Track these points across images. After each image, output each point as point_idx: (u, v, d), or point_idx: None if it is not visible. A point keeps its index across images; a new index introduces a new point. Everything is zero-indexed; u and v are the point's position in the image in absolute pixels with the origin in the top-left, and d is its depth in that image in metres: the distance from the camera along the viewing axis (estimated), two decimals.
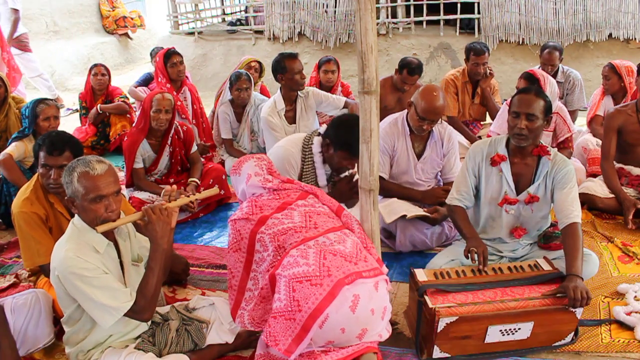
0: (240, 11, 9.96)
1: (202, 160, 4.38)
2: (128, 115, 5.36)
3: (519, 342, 2.37)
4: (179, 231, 3.75)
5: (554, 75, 4.81)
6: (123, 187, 3.97)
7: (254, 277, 2.31)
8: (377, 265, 2.17)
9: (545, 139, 3.75)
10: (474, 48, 4.75)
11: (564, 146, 3.98)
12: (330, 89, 5.12)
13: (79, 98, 5.52)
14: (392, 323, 2.62)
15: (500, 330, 2.31)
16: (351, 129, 2.63)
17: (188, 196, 2.35)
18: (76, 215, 2.14)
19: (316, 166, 2.95)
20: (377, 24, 7.50)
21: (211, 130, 5.07)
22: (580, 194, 2.90)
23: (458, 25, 7.62)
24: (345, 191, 2.89)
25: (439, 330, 2.25)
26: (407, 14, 7.94)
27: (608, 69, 4.47)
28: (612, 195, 3.67)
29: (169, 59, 4.82)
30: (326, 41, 8.01)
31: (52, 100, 3.81)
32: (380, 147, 2.39)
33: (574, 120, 4.83)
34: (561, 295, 2.31)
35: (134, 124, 4.19)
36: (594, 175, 4.07)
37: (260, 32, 8.46)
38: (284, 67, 4.10)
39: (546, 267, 2.52)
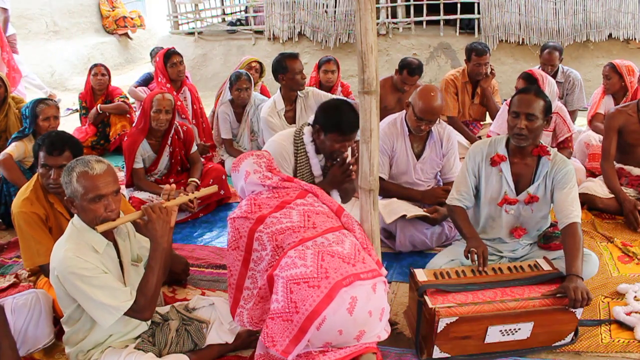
0: (240, 11, 9.96)
1: (202, 160, 4.38)
2: (128, 115, 5.37)
3: (519, 342, 2.37)
4: (179, 231, 3.75)
5: (554, 76, 4.82)
6: (123, 187, 3.97)
7: (252, 275, 2.31)
8: (375, 266, 2.16)
9: (545, 138, 3.75)
10: (476, 48, 4.75)
11: (564, 146, 3.99)
12: (330, 89, 5.12)
13: (79, 98, 5.52)
14: (392, 323, 2.62)
15: (500, 331, 2.31)
16: (338, 109, 2.74)
17: (187, 195, 2.35)
18: (75, 215, 2.14)
19: (309, 156, 2.92)
20: (377, 24, 7.50)
21: (211, 130, 5.07)
22: (580, 194, 2.91)
23: (458, 25, 7.62)
24: (338, 175, 2.85)
25: (439, 331, 2.25)
26: (407, 14, 7.94)
27: (609, 68, 4.47)
28: (612, 196, 3.67)
29: (169, 59, 4.82)
30: (326, 41, 8.02)
31: (52, 100, 3.81)
32: (379, 147, 2.39)
33: (573, 120, 4.83)
34: (561, 295, 2.31)
35: (134, 124, 4.19)
36: (594, 175, 4.07)
37: (260, 32, 8.46)
38: (285, 67, 4.10)
39: (546, 267, 2.52)
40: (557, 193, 2.64)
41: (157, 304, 2.24)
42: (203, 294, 2.95)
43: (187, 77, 5.14)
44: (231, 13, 10.23)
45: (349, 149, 2.92)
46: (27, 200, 2.64)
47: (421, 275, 2.45)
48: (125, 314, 2.06)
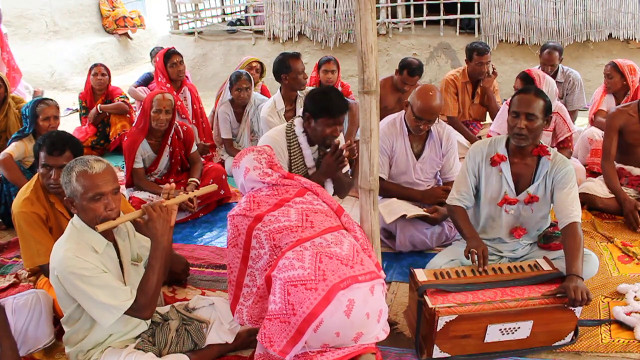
0: (240, 11, 9.96)
1: (202, 160, 4.39)
2: (128, 115, 5.37)
3: (518, 342, 2.37)
4: (179, 231, 3.76)
5: (554, 76, 4.82)
6: (123, 187, 3.97)
7: (251, 273, 2.32)
8: (373, 268, 2.15)
9: (545, 138, 3.75)
10: (477, 48, 4.76)
11: (564, 146, 3.99)
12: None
13: (79, 98, 5.52)
14: (392, 323, 2.62)
15: (500, 330, 2.31)
16: (325, 94, 2.79)
17: (187, 194, 2.35)
18: (75, 215, 2.14)
19: (302, 147, 2.91)
20: (377, 24, 7.50)
21: (211, 130, 5.08)
22: (580, 194, 2.91)
23: (458, 25, 7.62)
24: (331, 163, 2.83)
25: (438, 329, 2.25)
26: (407, 14, 7.94)
27: (610, 67, 4.47)
28: (612, 196, 3.68)
29: (169, 58, 4.82)
30: (326, 41, 8.01)
31: (52, 100, 3.80)
32: (379, 147, 2.40)
33: (573, 120, 4.84)
34: (561, 295, 2.31)
35: (134, 124, 4.19)
36: (594, 174, 4.07)
37: (260, 32, 8.46)
38: (288, 66, 4.12)
39: (546, 267, 2.52)
40: (557, 193, 2.64)
41: (157, 304, 2.24)
42: (203, 294, 2.95)
43: (187, 77, 5.14)
44: (231, 13, 10.23)
45: (342, 136, 2.92)
46: (27, 200, 2.64)
47: (421, 275, 2.45)
48: (126, 313, 2.06)
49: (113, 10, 10.44)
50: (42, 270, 2.78)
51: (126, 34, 10.46)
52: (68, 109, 7.15)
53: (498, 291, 2.35)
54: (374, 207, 2.40)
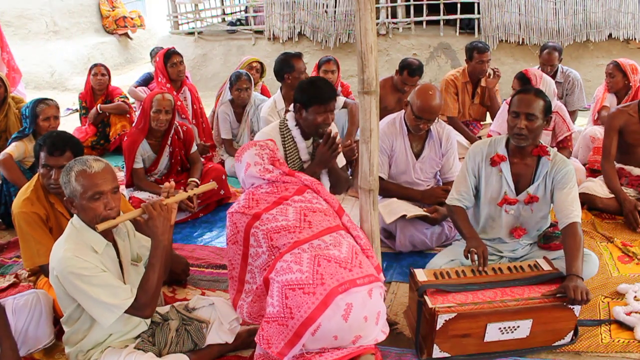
0: (240, 11, 9.96)
1: (202, 160, 4.39)
2: (128, 115, 5.37)
3: (518, 341, 2.37)
4: (179, 231, 3.76)
5: (553, 76, 4.82)
6: (123, 187, 3.97)
7: (251, 270, 2.33)
8: (372, 271, 2.14)
9: (545, 138, 3.76)
10: (477, 47, 4.77)
11: (563, 145, 3.99)
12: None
13: (79, 98, 5.52)
14: (392, 323, 2.62)
15: (500, 328, 2.31)
16: (312, 83, 2.81)
17: (187, 192, 2.36)
18: (75, 215, 2.14)
19: (296, 141, 2.90)
20: (377, 24, 7.52)
21: (211, 130, 5.08)
22: (580, 194, 2.91)
23: (458, 25, 7.62)
24: (325, 152, 2.83)
25: (438, 328, 2.25)
26: (407, 14, 7.94)
27: (613, 66, 4.48)
28: (612, 196, 3.68)
29: (169, 59, 4.82)
30: (326, 41, 8.02)
31: (52, 100, 3.80)
32: (379, 146, 2.40)
33: (573, 120, 4.84)
34: (561, 295, 2.31)
35: (133, 124, 4.19)
36: (596, 172, 4.07)
37: (260, 32, 8.46)
38: (292, 65, 4.13)
39: (546, 267, 2.52)
40: (557, 193, 2.64)
41: (157, 304, 2.24)
42: (203, 294, 2.95)
43: (187, 77, 5.14)
44: (231, 13, 10.23)
45: (334, 125, 2.92)
46: (27, 200, 2.64)
47: (421, 275, 2.45)
48: (126, 311, 2.06)
49: (113, 10, 10.44)
50: (42, 270, 2.78)
51: (126, 34, 10.46)
52: (68, 109, 7.15)
53: (498, 291, 2.35)
54: (374, 207, 2.40)
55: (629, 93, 4.44)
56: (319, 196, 2.44)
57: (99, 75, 5.28)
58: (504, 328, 2.31)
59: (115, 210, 2.12)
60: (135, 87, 5.60)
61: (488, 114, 5.13)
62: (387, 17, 7.87)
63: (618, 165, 3.81)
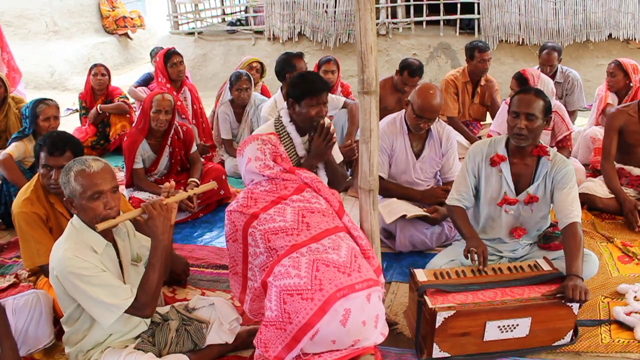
0: (240, 11, 9.96)
1: (202, 160, 4.39)
2: (128, 115, 5.36)
3: (518, 341, 2.37)
4: (179, 231, 3.76)
5: (553, 76, 4.82)
6: (123, 187, 3.97)
7: (252, 268, 2.34)
8: (371, 275, 2.13)
9: (544, 137, 3.75)
10: (478, 46, 4.78)
11: (563, 145, 3.99)
12: (330, 89, 5.11)
13: (78, 98, 5.52)
14: (392, 323, 2.62)
15: (499, 327, 2.31)
16: (302, 76, 2.81)
17: (187, 191, 2.36)
18: (75, 216, 2.14)
19: (292, 137, 2.89)
20: (377, 24, 7.51)
21: (211, 130, 5.08)
22: (580, 194, 2.91)
23: (458, 25, 7.62)
24: (320, 144, 2.80)
25: (437, 326, 2.25)
26: (407, 14, 7.94)
27: (614, 65, 4.48)
28: (612, 196, 3.68)
29: (169, 59, 4.82)
30: (326, 41, 8.01)
31: (52, 100, 3.80)
32: (379, 146, 2.40)
33: (573, 120, 4.84)
34: (561, 295, 2.31)
35: (133, 124, 4.20)
36: (598, 172, 4.07)
37: (260, 32, 8.46)
38: (293, 65, 4.14)
39: (546, 267, 2.52)
40: (557, 193, 2.64)
41: (157, 304, 2.24)
42: (203, 294, 2.95)
43: (187, 77, 5.14)
44: (231, 13, 10.23)
45: (328, 119, 2.92)
46: (27, 200, 2.64)
47: (421, 275, 2.45)
48: (126, 311, 2.06)
49: (113, 11, 10.44)
50: (42, 271, 2.78)
51: (126, 34, 10.46)
52: (68, 109, 7.15)
53: (498, 291, 2.35)
54: (373, 207, 2.40)
55: (629, 93, 4.44)
56: (318, 195, 2.42)
57: (99, 75, 5.28)
58: (503, 326, 2.31)
59: (115, 210, 2.12)
60: (135, 87, 5.60)
61: (488, 113, 5.13)
62: (387, 17, 7.87)
63: (618, 165, 3.81)
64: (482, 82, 4.95)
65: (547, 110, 2.63)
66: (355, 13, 2.14)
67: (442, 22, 7.69)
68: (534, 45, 7.26)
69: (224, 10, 10.17)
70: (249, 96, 4.74)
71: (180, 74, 4.88)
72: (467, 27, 7.63)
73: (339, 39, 7.97)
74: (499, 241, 2.86)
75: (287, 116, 2.89)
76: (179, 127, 4.01)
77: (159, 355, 2.22)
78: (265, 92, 5.47)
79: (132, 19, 10.57)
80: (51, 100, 3.80)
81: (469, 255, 2.53)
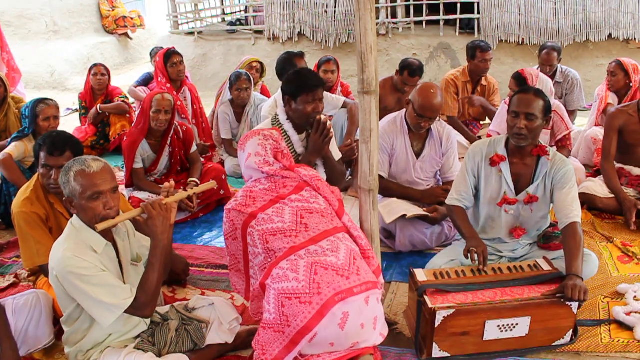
0: (240, 11, 9.96)
1: (202, 160, 4.39)
2: (128, 115, 5.37)
3: (517, 340, 2.37)
4: (179, 231, 3.76)
5: (553, 76, 4.82)
6: (122, 187, 3.97)
7: (252, 266, 2.34)
8: (370, 277, 2.12)
9: (544, 137, 3.75)
10: (480, 45, 4.78)
11: (562, 145, 3.98)
12: (330, 89, 5.11)
13: (78, 98, 5.52)
14: (392, 323, 2.62)
15: (498, 326, 2.31)
16: (297, 73, 2.80)
17: (186, 191, 2.35)
18: (75, 215, 2.14)
19: (289, 134, 2.88)
20: (377, 24, 7.51)
21: (211, 130, 5.08)
22: (580, 194, 2.91)
23: (458, 25, 7.63)
24: (317, 140, 2.78)
25: (436, 325, 2.25)
26: (407, 14, 7.95)
27: (615, 65, 4.48)
28: (612, 196, 3.68)
29: (169, 58, 4.82)
30: (326, 41, 8.02)
31: (52, 100, 3.80)
32: (379, 145, 2.40)
33: (573, 120, 4.83)
34: (560, 295, 2.31)
35: (133, 124, 4.20)
36: (597, 172, 4.06)
37: (260, 32, 8.46)
38: (294, 65, 4.14)
39: (546, 267, 2.52)
40: (557, 193, 2.64)
41: (157, 304, 2.24)
42: (203, 294, 2.95)
43: (187, 77, 5.14)
44: (231, 13, 10.23)
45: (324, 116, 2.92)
46: (27, 200, 2.64)
47: (421, 275, 2.45)
48: (126, 311, 2.06)
49: (113, 10, 10.44)
50: (41, 270, 2.78)
51: (126, 34, 10.46)
52: (68, 109, 7.15)
53: (498, 291, 2.35)
54: (373, 207, 2.40)
55: (628, 93, 4.44)
56: (318, 194, 2.41)
57: (99, 75, 5.28)
58: (503, 326, 2.31)
59: (115, 209, 2.12)
60: (135, 87, 5.60)
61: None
62: (387, 17, 7.87)
63: (618, 165, 3.81)
64: (484, 82, 4.94)
65: (547, 110, 2.63)
66: (355, 13, 2.14)
67: (442, 22, 7.69)
68: (534, 45, 7.26)
69: (223, 10, 10.18)
70: (249, 96, 4.74)
71: (180, 73, 4.88)
72: (467, 27, 7.63)
73: (339, 39, 7.98)
74: (499, 241, 2.86)
75: (284, 114, 2.88)
76: (178, 127, 4.01)
77: (159, 355, 2.22)
78: (265, 92, 5.47)
79: (132, 18, 10.58)
80: (51, 100, 3.80)
81: (469, 255, 2.53)
